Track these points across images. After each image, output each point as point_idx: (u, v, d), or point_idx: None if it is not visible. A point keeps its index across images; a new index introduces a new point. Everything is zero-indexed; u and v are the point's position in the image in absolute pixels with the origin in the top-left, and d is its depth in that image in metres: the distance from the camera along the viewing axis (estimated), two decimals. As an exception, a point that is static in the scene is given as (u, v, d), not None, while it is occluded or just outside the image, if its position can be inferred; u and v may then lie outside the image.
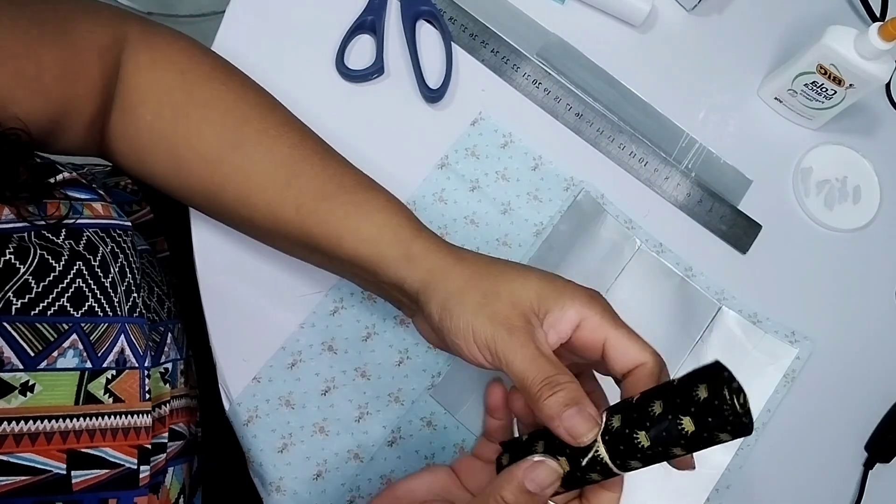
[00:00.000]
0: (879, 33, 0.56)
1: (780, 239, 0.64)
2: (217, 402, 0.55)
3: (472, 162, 0.62)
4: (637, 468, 0.36)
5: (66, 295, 0.39)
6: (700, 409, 0.33)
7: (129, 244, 0.46)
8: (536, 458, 0.37)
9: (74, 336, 0.39)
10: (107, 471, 0.39)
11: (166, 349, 0.49)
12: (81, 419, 0.39)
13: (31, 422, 0.36)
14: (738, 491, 0.58)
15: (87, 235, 0.42)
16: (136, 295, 0.45)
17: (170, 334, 0.50)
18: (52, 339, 0.38)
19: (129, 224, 0.46)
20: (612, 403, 0.38)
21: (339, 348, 0.56)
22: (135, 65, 0.47)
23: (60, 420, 0.38)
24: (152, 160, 0.48)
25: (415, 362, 0.57)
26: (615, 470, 0.36)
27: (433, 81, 0.62)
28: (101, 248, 0.42)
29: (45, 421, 0.37)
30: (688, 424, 0.33)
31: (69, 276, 0.39)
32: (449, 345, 0.42)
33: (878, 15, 0.70)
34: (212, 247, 0.57)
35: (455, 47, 0.64)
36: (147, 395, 0.44)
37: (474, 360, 0.41)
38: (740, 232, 0.63)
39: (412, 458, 0.55)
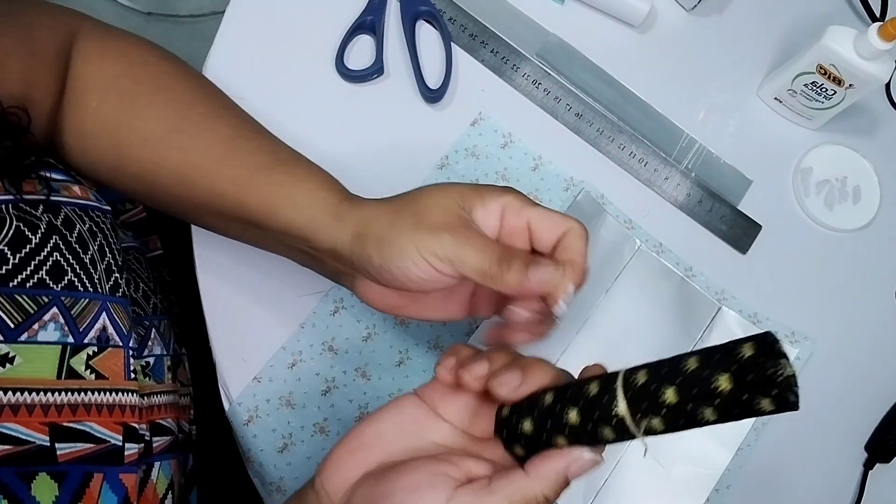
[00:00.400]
0: (879, 33, 0.56)
1: (780, 239, 0.64)
2: (217, 402, 0.55)
3: (472, 162, 0.62)
4: (657, 431, 0.32)
5: (45, 268, 0.39)
6: (742, 367, 0.28)
7: (109, 227, 0.46)
8: (577, 452, 0.34)
9: (55, 309, 0.39)
10: (92, 445, 0.39)
11: (150, 343, 0.49)
12: (64, 394, 0.39)
13: (10, 393, 0.36)
14: (738, 491, 0.58)
15: (66, 212, 0.42)
16: (117, 276, 0.45)
17: (154, 329, 0.50)
18: (31, 312, 0.38)
19: (109, 209, 0.47)
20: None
21: (339, 348, 0.56)
22: (84, 56, 0.48)
23: (42, 393, 0.38)
24: (95, 148, 0.48)
25: (415, 362, 0.57)
26: (632, 429, 0.32)
27: (433, 82, 0.62)
28: (78, 226, 0.43)
29: (27, 393, 0.37)
30: (724, 382, 0.29)
31: (46, 249, 0.40)
32: (397, 279, 0.41)
33: (877, 15, 0.70)
34: (211, 247, 0.57)
35: (455, 47, 0.64)
36: (132, 375, 0.44)
37: (428, 277, 0.40)
38: (740, 232, 0.63)
39: (412, 459, 0.55)
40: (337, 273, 0.47)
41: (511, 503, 0.33)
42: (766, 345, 0.28)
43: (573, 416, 0.33)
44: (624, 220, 0.62)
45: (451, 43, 0.63)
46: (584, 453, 0.34)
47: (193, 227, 0.57)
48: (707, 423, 0.30)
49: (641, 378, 0.32)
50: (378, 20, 0.63)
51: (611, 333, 0.59)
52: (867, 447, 0.61)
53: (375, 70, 0.62)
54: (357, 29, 0.63)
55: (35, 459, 0.36)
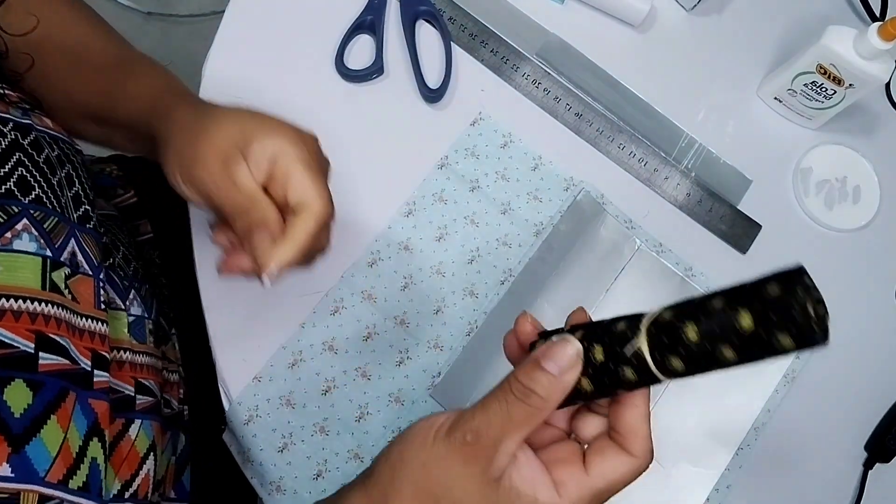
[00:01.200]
0: (879, 33, 0.56)
1: (780, 239, 0.64)
2: (217, 403, 0.55)
3: (471, 162, 0.62)
4: (678, 373, 0.31)
5: (12, 179, 0.40)
6: (764, 304, 0.28)
7: (79, 162, 0.47)
8: (556, 337, 0.33)
9: (25, 220, 0.40)
10: (68, 362, 0.40)
11: (128, 303, 0.51)
12: (49, 305, 0.39)
13: None
14: (738, 491, 0.58)
15: (36, 136, 0.43)
16: (87, 208, 0.46)
17: (133, 290, 0.52)
18: (2, 221, 0.39)
19: (80, 148, 0.49)
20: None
21: (339, 348, 0.56)
22: None
23: (28, 301, 0.38)
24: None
25: (415, 362, 0.57)
26: (653, 369, 0.31)
27: (433, 81, 0.62)
28: (47, 150, 0.44)
29: (12, 300, 0.38)
30: (745, 319, 0.28)
31: (11, 162, 0.41)
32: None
33: (877, 15, 0.70)
34: (212, 247, 0.57)
35: (455, 47, 0.64)
36: (101, 305, 0.44)
37: (192, 198, 0.44)
38: (740, 232, 0.63)
39: (412, 458, 0.55)
40: (152, 151, 0.49)
41: (491, 394, 0.33)
42: (793, 279, 0.27)
43: (598, 353, 0.33)
44: (624, 220, 0.62)
45: (451, 43, 0.63)
46: (555, 337, 0.34)
47: (193, 228, 0.57)
48: (728, 364, 0.29)
49: (667, 315, 0.31)
50: (378, 20, 0.63)
51: (611, 333, 0.59)
52: (867, 447, 0.61)
53: (375, 70, 0.62)
54: (357, 29, 0.63)
55: (15, 365, 0.37)
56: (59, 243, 0.42)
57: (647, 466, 0.35)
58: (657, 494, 0.57)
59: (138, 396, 0.48)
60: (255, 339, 0.56)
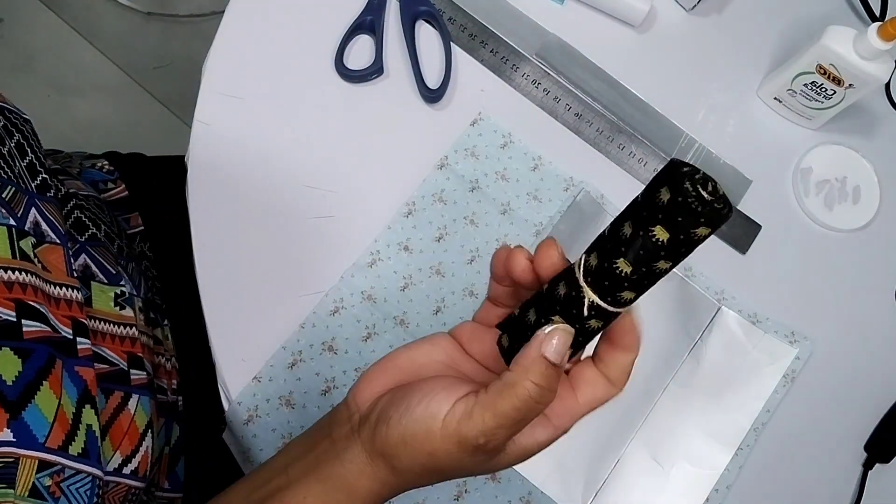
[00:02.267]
0: (879, 33, 0.56)
1: (780, 239, 0.64)
2: (212, 401, 0.55)
3: (471, 162, 0.62)
4: (632, 299, 0.33)
5: None
6: (667, 212, 0.30)
7: (29, 132, 0.46)
8: (546, 329, 0.34)
9: None
10: (50, 329, 0.40)
11: (113, 277, 0.51)
12: (23, 273, 0.39)
13: None
14: (738, 491, 0.58)
15: None
16: (45, 177, 0.45)
17: (120, 267, 0.52)
18: None
19: (29, 118, 0.47)
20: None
21: (339, 348, 0.56)
22: None
23: (3, 270, 0.38)
24: None
25: (414, 362, 0.57)
26: (610, 308, 0.33)
27: (432, 82, 0.62)
28: None
29: None
30: (660, 233, 0.30)
31: None
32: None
33: (877, 15, 0.70)
34: (211, 247, 0.57)
35: (454, 47, 0.64)
36: (74, 273, 0.44)
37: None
38: (740, 232, 0.63)
39: (412, 459, 0.55)
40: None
41: (503, 397, 0.34)
42: (678, 178, 0.30)
43: (559, 322, 0.35)
44: (624, 220, 0.62)
45: (451, 43, 0.63)
46: (546, 329, 0.34)
47: (193, 228, 0.57)
48: (666, 271, 0.32)
49: (594, 261, 0.33)
50: (378, 20, 0.63)
51: (610, 333, 0.59)
52: (867, 447, 0.61)
53: (375, 70, 0.62)
54: (357, 29, 0.63)
55: (1, 334, 0.36)
56: (20, 212, 0.41)
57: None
58: (657, 494, 0.57)
59: (132, 371, 0.48)
60: (255, 339, 0.56)
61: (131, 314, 0.51)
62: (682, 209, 0.29)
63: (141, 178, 0.68)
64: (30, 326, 0.38)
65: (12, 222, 0.40)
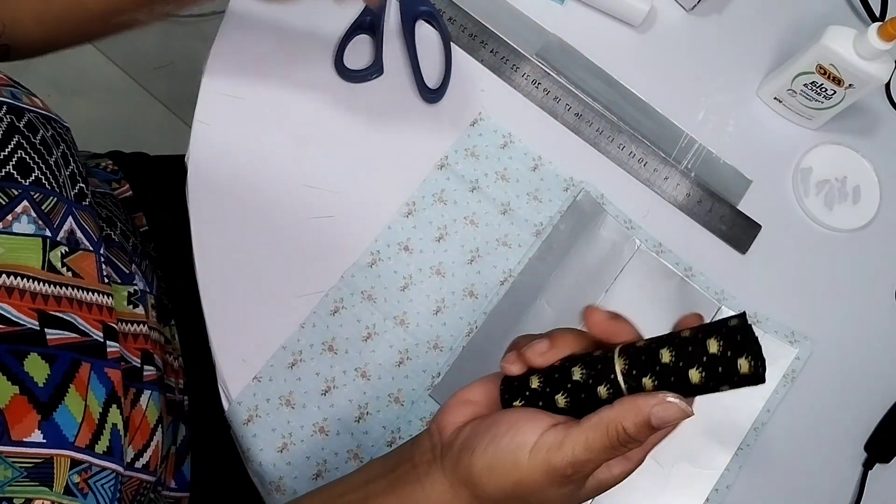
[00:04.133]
0: (879, 33, 0.56)
1: (780, 239, 0.64)
2: (217, 402, 0.55)
3: (471, 162, 0.62)
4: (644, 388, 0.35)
5: (11, 163, 0.41)
6: (729, 330, 0.33)
7: (70, 140, 0.48)
8: (670, 397, 0.35)
9: (25, 203, 0.41)
10: (77, 336, 0.41)
11: (128, 277, 0.51)
12: (50, 285, 0.41)
13: (4, 276, 0.38)
14: (738, 491, 0.58)
15: (29, 118, 0.44)
16: (82, 185, 0.47)
17: (134, 265, 0.53)
18: (3, 203, 0.40)
19: (68, 125, 0.49)
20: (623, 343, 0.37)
21: (339, 348, 0.56)
22: None
23: (31, 280, 0.40)
24: None
25: (415, 363, 0.57)
26: (622, 386, 0.35)
27: (432, 82, 0.62)
28: (41, 131, 0.44)
29: (16, 277, 0.39)
30: (713, 345, 0.33)
31: (10, 146, 0.41)
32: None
33: (877, 15, 0.70)
34: (211, 246, 0.57)
35: (454, 47, 0.64)
36: (105, 280, 0.45)
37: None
38: (740, 232, 0.63)
39: (412, 458, 0.55)
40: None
41: (597, 432, 0.34)
42: (744, 320, 0.33)
43: (561, 401, 0.36)
44: (624, 220, 0.62)
45: (451, 43, 0.63)
46: (669, 397, 0.34)
47: (193, 228, 0.57)
48: (692, 385, 0.34)
49: (640, 343, 0.36)
50: (377, 20, 0.63)
51: (610, 333, 0.59)
52: (867, 447, 0.61)
53: (375, 70, 0.62)
54: (356, 29, 0.63)
55: (26, 340, 0.38)
56: (56, 223, 0.43)
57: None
58: (657, 494, 0.57)
59: (145, 367, 0.49)
60: (254, 339, 0.56)
61: (143, 311, 0.51)
62: (742, 335, 0.32)
63: (144, 177, 0.68)
64: (53, 334, 0.40)
65: (48, 233, 0.42)
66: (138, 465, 0.45)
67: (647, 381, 0.34)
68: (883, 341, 0.63)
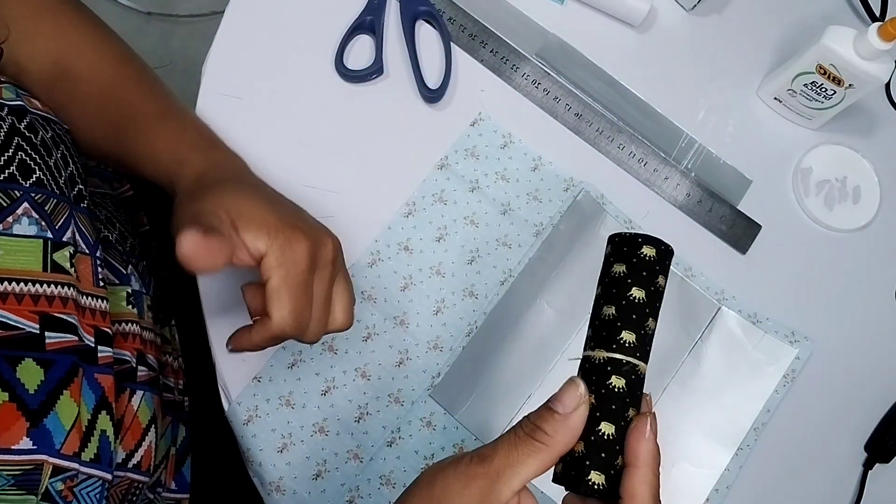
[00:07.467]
0: (879, 33, 0.56)
1: (780, 239, 0.64)
2: (216, 402, 0.55)
3: (471, 162, 0.62)
4: (633, 341, 0.37)
5: (13, 164, 0.41)
6: (611, 253, 0.39)
7: (70, 142, 0.48)
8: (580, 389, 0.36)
9: (26, 204, 0.41)
10: (75, 339, 0.41)
11: (125, 278, 0.51)
12: (52, 286, 0.40)
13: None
14: (738, 491, 0.58)
15: (30, 118, 0.44)
16: (81, 187, 0.47)
17: (131, 266, 0.53)
18: (4, 205, 0.40)
19: (68, 128, 0.49)
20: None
21: (339, 348, 0.56)
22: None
23: (31, 284, 0.39)
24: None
25: (415, 363, 0.57)
26: (620, 356, 0.37)
27: (432, 82, 0.62)
28: (41, 132, 0.44)
29: (14, 283, 0.39)
30: (617, 268, 0.38)
31: (11, 148, 0.41)
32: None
33: (877, 15, 0.70)
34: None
35: (454, 47, 0.64)
36: (101, 283, 0.45)
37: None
38: (740, 232, 0.63)
39: (411, 459, 0.55)
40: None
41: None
42: (624, 252, 0.38)
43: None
44: (624, 220, 0.62)
45: (451, 43, 0.63)
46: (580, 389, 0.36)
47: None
48: (643, 299, 0.38)
49: (588, 333, 0.39)
50: (377, 20, 0.63)
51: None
52: (867, 447, 0.61)
53: (375, 70, 0.62)
54: (356, 29, 0.63)
55: (23, 345, 0.38)
56: (59, 224, 0.42)
57: None
58: (657, 494, 0.57)
59: (139, 368, 0.49)
60: (254, 339, 0.56)
61: (141, 313, 0.51)
62: (642, 266, 0.37)
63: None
64: (53, 338, 0.39)
65: (49, 235, 0.41)
66: (130, 465, 0.45)
67: (605, 309, 0.38)
68: (883, 341, 0.63)
